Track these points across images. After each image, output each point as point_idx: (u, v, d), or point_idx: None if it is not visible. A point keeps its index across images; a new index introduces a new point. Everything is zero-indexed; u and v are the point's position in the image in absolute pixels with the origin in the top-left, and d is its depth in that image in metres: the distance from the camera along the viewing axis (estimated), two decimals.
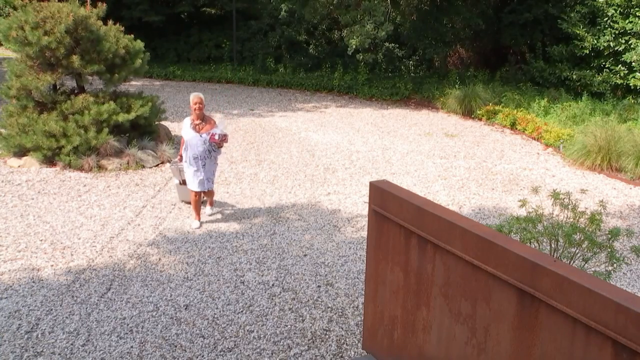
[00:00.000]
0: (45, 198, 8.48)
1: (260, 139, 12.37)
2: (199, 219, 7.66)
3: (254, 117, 14.55)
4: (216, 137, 7.13)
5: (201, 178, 7.33)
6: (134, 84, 17.79)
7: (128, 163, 9.89)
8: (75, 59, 9.57)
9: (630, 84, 14.60)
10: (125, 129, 10.33)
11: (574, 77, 15.56)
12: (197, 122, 7.23)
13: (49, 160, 9.85)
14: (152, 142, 10.61)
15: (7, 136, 9.94)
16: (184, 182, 7.89)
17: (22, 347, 4.99)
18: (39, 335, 5.16)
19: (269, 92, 18.28)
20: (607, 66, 15.26)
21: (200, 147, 7.18)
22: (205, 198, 8.00)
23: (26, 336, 5.14)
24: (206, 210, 7.98)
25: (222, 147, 7.39)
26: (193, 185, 7.38)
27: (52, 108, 9.92)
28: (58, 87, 10.19)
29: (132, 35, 10.71)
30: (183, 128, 7.35)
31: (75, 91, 10.41)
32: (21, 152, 9.96)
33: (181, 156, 7.47)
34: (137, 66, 10.53)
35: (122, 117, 10.03)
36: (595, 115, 13.18)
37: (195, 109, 7.16)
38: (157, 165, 10.16)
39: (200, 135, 7.18)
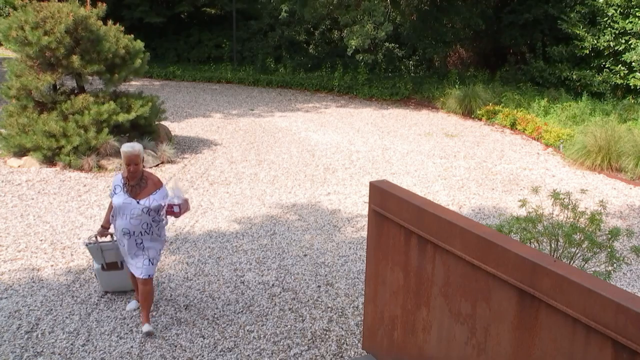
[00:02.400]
0: (45, 198, 8.48)
1: (260, 139, 12.37)
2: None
3: (254, 117, 14.55)
4: (175, 209, 5.02)
5: (138, 260, 5.14)
6: (134, 84, 17.79)
7: None
8: (75, 59, 9.57)
9: (630, 84, 14.60)
10: (125, 129, 10.33)
11: (574, 77, 15.57)
12: (133, 182, 5.03)
13: (49, 160, 9.85)
14: (152, 142, 10.62)
15: (7, 136, 9.94)
16: (109, 266, 5.66)
17: (22, 347, 4.99)
18: (39, 335, 5.16)
19: (268, 92, 18.28)
20: (607, 66, 15.26)
21: (136, 218, 4.98)
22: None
23: (26, 336, 5.14)
24: (142, 329, 5.21)
25: (179, 216, 5.16)
26: (129, 265, 5.26)
27: (52, 108, 9.92)
28: (58, 87, 10.19)
29: (132, 35, 10.71)
30: (112, 188, 5.15)
31: (75, 91, 10.41)
32: (21, 152, 9.96)
33: (104, 228, 5.40)
34: (137, 66, 10.53)
35: (122, 117, 10.03)
36: (595, 115, 13.18)
37: (129, 169, 4.99)
38: (157, 165, 10.16)
39: (138, 202, 4.98)
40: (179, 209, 5.05)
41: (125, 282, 5.72)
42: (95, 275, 5.87)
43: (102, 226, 5.42)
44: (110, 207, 5.19)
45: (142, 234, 5.08)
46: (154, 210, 5.07)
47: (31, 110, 9.93)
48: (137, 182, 5.05)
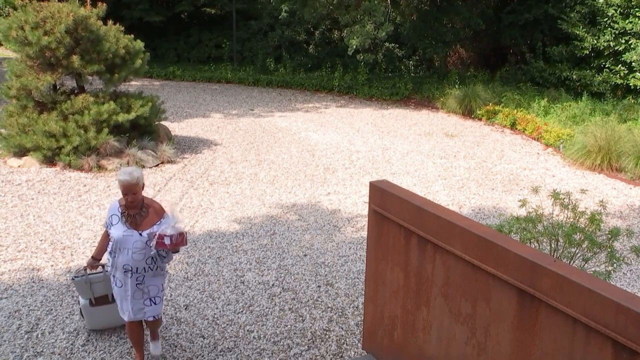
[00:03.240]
0: (45, 198, 8.48)
1: (260, 139, 12.37)
2: (142, 358, 4.79)
3: (254, 117, 14.55)
4: (166, 240, 4.26)
5: (138, 302, 4.48)
6: (134, 84, 17.79)
7: (128, 163, 9.89)
8: (75, 59, 9.57)
9: (630, 84, 14.61)
10: (125, 129, 10.33)
11: (574, 77, 15.57)
12: (133, 212, 4.37)
13: (49, 160, 9.85)
14: (152, 142, 10.62)
15: (7, 136, 9.94)
16: (97, 301, 5.06)
17: (22, 347, 4.99)
18: (39, 335, 5.16)
19: (269, 92, 18.28)
20: (607, 66, 15.26)
21: (139, 253, 4.32)
22: (147, 328, 4.95)
23: (26, 336, 5.14)
24: (150, 348, 4.87)
25: (177, 251, 4.53)
26: (124, 311, 4.54)
27: (52, 108, 9.92)
28: (58, 87, 10.19)
29: (132, 35, 10.71)
30: (107, 218, 4.43)
31: (75, 91, 10.41)
32: (21, 152, 9.96)
33: (94, 259, 4.70)
34: (137, 66, 10.53)
35: (122, 117, 10.03)
36: (595, 115, 13.18)
37: (127, 199, 4.31)
38: (157, 165, 10.16)
39: (140, 234, 4.31)
40: (170, 241, 4.25)
41: (115, 317, 5.03)
42: (80, 312, 5.20)
43: (92, 257, 4.70)
44: (105, 237, 4.56)
45: (145, 270, 4.41)
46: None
47: (31, 110, 9.93)
48: (138, 211, 4.38)
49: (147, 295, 4.49)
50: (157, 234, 4.26)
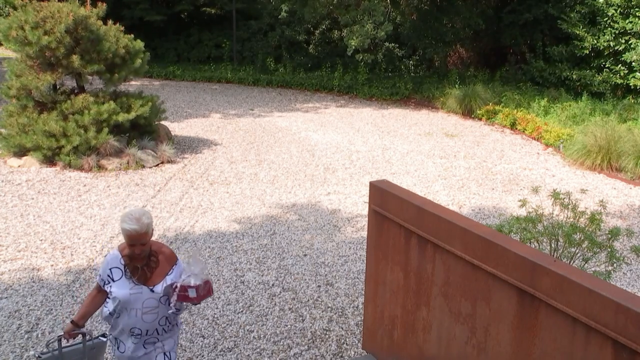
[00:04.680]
0: (45, 198, 8.48)
1: (260, 138, 12.37)
2: None
3: (254, 117, 14.55)
4: (191, 293, 3.39)
5: (150, 356, 3.61)
6: (134, 84, 17.79)
7: (128, 163, 9.89)
8: (75, 58, 9.57)
9: (630, 84, 14.61)
10: (125, 129, 10.33)
11: (574, 77, 15.57)
12: (140, 263, 3.47)
13: (49, 160, 9.85)
14: (152, 141, 10.62)
15: (7, 136, 9.94)
16: None
17: (22, 347, 4.99)
18: (39, 335, 5.16)
19: (268, 92, 18.28)
20: (607, 66, 15.26)
21: (150, 313, 3.46)
22: None
23: (26, 336, 5.14)
24: None
25: (196, 303, 3.49)
26: None
27: (52, 108, 9.92)
28: (58, 86, 10.20)
29: (132, 35, 10.71)
30: (103, 273, 3.50)
31: (75, 91, 10.41)
32: (21, 152, 9.96)
33: (75, 324, 3.58)
34: (137, 66, 10.53)
35: (122, 117, 10.03)
36: (595, 115, 13.18)
37: (135, 251, 3.39)
38: (157, 165, 10.16)
39: (152, 290, 3.45)
40: (197, 293, 3.39)
41: None
42: None
43: (72, 321, 3.58)
44: (93, 297, 3.60)
45: (157, 333, 3.56)
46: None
47: (31, 110, 9.93)
48: (146, 261, 3.49)
49: (162, 350, 3.64)
50: (178, 285, 3.39)
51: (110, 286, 3.45)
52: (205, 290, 3.43)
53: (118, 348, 3.60)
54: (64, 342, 3.62)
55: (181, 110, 15.14)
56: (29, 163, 9.83)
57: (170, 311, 3.49)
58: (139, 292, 3.42)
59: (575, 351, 3.16)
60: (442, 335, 4.04)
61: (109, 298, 3.49)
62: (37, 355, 3.61)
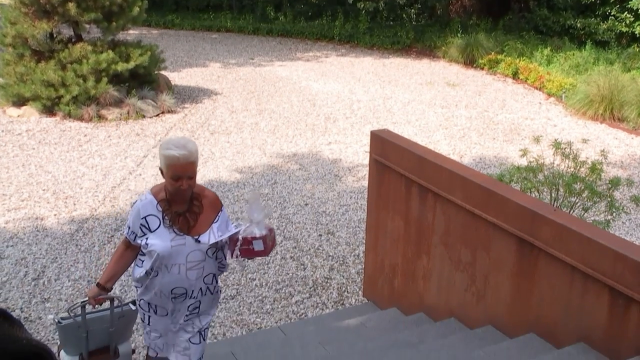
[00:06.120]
0: (46, 148, 8.48)
1: (261, 88, 12.27)
2: None
3: (254, 66, 14.40)
4: (256, 246, 2.88)
5: (183, 340, 3.09)
6: (132, 33, 17.50)
7: (128, 113, 9.84)
8: (72, 6, 9.39)
9: (636, 32, 14.37)
10: (124, 79, 10.23)
11: (578, 25, 15.31)
12: (182, 208, 2.90)
13: (49, 110, 9.79)
14: (152, 91, 10.53)
15: (5, 85, 9.86)
16: (92, 356, 3.26)
17: (30, 293, 5.08)
18: (45, 282, 5.25)
19: (269, 41, 18.03)
20: (612, 14, 14.99)
21: (196, 268, 2.93)
22: None
23: (33, 283, 5.23)
24: None
25: (264, 255, 2.98)
26: (154, 345, 3.17)
27: (49, 57, 9.80)
28: (55, 35, 10.04)
29: None
30: (135, 222, 2.91)
31: (73, 40, 10.25)
32: (20, 102, 9.90)
33: (102, 287, 3.07)
34: (135, 14, 10.34)
35: (121, 67, 9.91)
36: (599, 64, 13.02)
37: (181, 186, 2.78)
38: (157, 115, 10.11)
39: (198, 240, 2.91)
40: (264, 244, 2.88)
41: None
42: None
43: (98, 284, 3.07)
44: (121, 255, 3.04)
45: (202, 293, 3.03)
46: (221, 249, 3.03)
47: (28, 59, 9.81)
48: (188, 206, 2.91)
49: (198, 327, 3.09)
50: (240, 237, 2.85)
51: (147, 238, 2.87)
52: (272, 240, 2.97)
53: (151, 317, 3.04)
54: (89, 308, 3.13)
55: (180, 59, 14.97)
56: (29, 113, 9.78)
57: (224, 267, 3.11)
58: (182, 243, 2.87)
59: (572, 298, 3.22)
60: (442, 283, 4.11)
61: (142, 254, 2.96)
62: (57, 320, 3.13)
